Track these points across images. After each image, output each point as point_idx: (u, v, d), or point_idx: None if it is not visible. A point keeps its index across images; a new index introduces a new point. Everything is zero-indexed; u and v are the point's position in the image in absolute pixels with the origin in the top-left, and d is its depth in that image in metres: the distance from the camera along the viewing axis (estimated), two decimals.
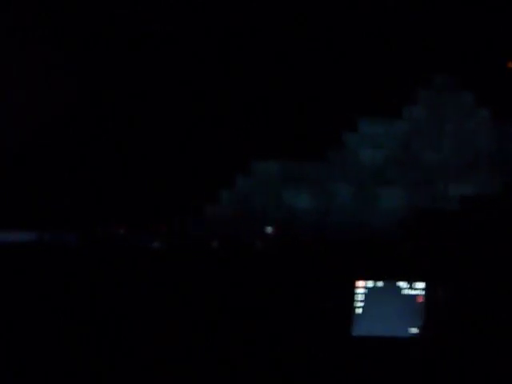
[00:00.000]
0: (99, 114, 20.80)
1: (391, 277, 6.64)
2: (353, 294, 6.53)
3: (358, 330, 6.90)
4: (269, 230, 18.83)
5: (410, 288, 7.23)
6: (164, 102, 22.84)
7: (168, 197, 22.17)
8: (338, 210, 25.13)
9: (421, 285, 7.09)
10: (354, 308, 6.63)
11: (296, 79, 24.28)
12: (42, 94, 20.85)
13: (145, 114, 21.93)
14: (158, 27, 21.96)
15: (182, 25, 21.26)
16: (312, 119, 24.32)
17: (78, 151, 19.85)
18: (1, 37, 19.64)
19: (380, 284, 6.98)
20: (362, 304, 6.91)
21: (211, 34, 21.35)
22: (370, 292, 6.93)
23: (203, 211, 23.04)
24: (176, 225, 18.11)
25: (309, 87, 24.04)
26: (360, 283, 6.86)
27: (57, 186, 19.02)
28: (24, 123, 20.05)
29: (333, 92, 24.59)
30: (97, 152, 19.92)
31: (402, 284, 7.16)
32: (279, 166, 24.71)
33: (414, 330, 6.78)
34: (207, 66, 21.32)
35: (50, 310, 5.82)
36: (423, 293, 6.93)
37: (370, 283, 6.95)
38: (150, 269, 6.93)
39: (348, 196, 25.42)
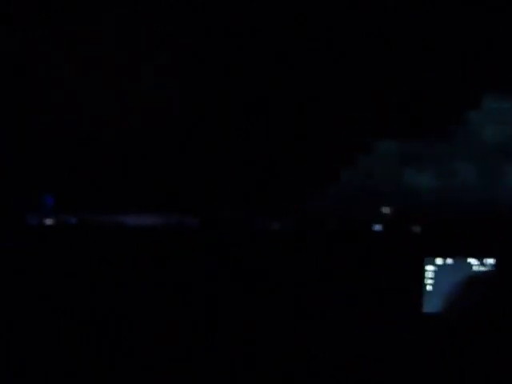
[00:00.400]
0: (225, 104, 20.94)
1: (461, 253, 6.72)
2: (422, 271, 6.64)
3: (429, 307, 7.02)
4: (386, 210, 18.55)
5: (481, 265, 7.27)
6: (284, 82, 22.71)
7: (286, 176, 22.01)
8: (460, 189, 24.38)
9: (491, 261, 7.11)
10: (424, 285, 6.75)
11: (416, 55, 23.62)
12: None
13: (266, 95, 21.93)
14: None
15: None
16: (433, 95, 23.62)
17: (200, 136, 20.10)
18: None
19: (450, 261, 7.05)
20: (431, 282, 7.02)
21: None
22: (439, 269, 7.03)
23: (322, 191, 22.81)
24: (296, 205, 18.07)
25: (429, 63, 23.34)
26: (429, 260, 6.96)
27: (179, 169, 19.29)
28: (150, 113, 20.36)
29: (456, 67, 23.75)
30: (218, 137, 20.11)
31: (473, 261, 7.21)
32: (399, 145, 24.09)
33: (484, 307, 6.84)
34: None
35: (172, 291, 5.98)
36: (494, 269, 6.98)
37: (440, 260, 7.02)
38: (272, 250, 7.02)
39: (471, 174, 24.64)
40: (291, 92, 22.45)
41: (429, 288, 7.21)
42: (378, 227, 11.65)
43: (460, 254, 6.87)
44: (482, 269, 7.13)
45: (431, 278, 7.37)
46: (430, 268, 7.35)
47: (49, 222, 12.54)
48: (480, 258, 7.03)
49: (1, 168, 19.33)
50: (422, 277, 6.76)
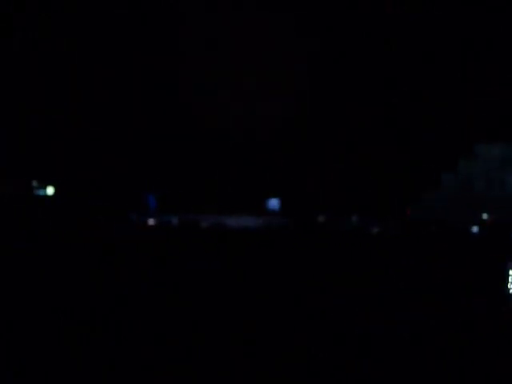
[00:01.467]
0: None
1: None
2: (506, 274, 6.29)
3: None
4: (485, 216, 18.38)
5: None
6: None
7: (389, 181, 22.07)
8: None
9: None
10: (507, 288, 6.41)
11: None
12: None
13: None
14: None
15: None
16: None
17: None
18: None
19: None
20: None
21: None
22: None
23: (422, 195, 22.77)
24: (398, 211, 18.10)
25: None
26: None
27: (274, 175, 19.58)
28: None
29: None
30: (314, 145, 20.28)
31: None
32: (502, 149, 23.83)
33: None
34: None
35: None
36: None
37: None
38: (369, 252, 7.01)
39: None
40: (394, 94, 21.81)
41: None
42: (475, 229, 11.51)
43: None
44: None
45: None
46: None
47: (152, 221, 12.78)
48: None
49: (108, 169, 19.54)
50: (506, 280, 6.51)
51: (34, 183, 19.14)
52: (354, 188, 19.79)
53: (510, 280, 6.58)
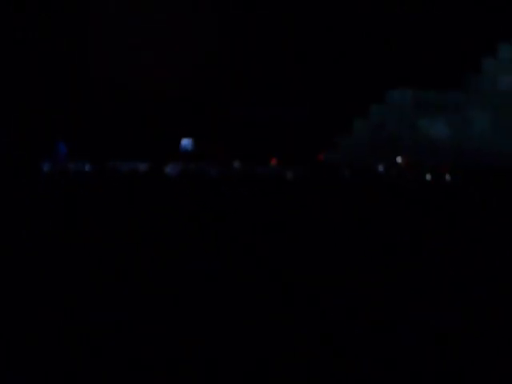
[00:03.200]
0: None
1: None
2: None
3: None
4: (399, 159, 18.70)
5: None
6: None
7: (304, 128, 22.07)
8: (475, 138, 24.35)
9: None
10: None
11: (434, 5, 23.50)
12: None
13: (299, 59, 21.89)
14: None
15: None
16: (447, 45, 23.55)
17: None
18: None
19: None
20: None
21: None
22: None
23: (336, 141, 22.89)
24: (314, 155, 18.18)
25: (446, 14, 23.23)
26: None
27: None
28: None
29: (470, 16, 23.63)
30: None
31: None
32: (414, 94, 24.06)
33: None
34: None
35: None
36: None
37: None
38: (282, 197, 6.95)
39: (485, 123, 24.59)
40: (302, 45, 21.59)
41: None
42: (393, 173, 11.62)
43: None
44: None
45: None
46: None
47: (63, 168, 12.42)
48: None
49: (14, 118, 18.93)
50: None
51: None
52: (268, 134, 19.79)
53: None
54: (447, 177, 7.31)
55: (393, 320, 4.50)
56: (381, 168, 14.16)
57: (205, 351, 3.69)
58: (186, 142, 20.44)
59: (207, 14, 19.41)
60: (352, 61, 20.07)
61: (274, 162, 15.70)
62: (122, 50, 19.56)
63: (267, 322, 4.32)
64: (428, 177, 8.90)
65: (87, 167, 12.48)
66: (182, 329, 4.11)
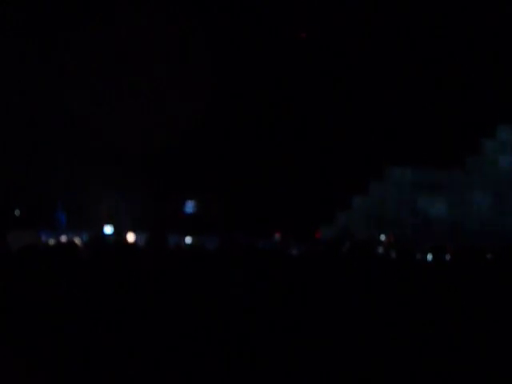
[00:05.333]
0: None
1: None
2: None
3: None
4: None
5: None
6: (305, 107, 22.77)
7: (302, 204, 22.03)
8: (474, 219, 24.13)
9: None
10: None
11: (434, 86, 23.64)
12: None
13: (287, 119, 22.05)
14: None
15: None
16: (449, 125, 23.60)
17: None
18: None
19: None
20: None
21: None
22: None
23: (335, 218, 22.72)
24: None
25: (447, 95, 23.38)
26: None
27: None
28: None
29: (471, 99, 23.74)
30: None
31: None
32: (414, 172, 23.93)
33: None
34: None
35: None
36: None
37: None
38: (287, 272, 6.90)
39: (485, 204, 24.39)
40: (305, 117, 21.79)
41: None
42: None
43: None
44: None
45: None
46: None
47: (64, 239, 12.35)
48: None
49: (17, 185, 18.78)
50: None
51: None
52: (267, 209, 19.81)
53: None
54: (447, 256, 7.28)
55: None
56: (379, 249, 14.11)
57: None
58: (189, 205, 20.43)
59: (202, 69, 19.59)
60: (351, 136, 20.22)
61: (278, 235, 15.73)
62: (120, 111, 19.64)
63: None
64: (429, 256, 8.82)
65: (84, 237, 12.43)
66: None
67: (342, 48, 21.64)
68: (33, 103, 20.97)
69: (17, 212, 19.69)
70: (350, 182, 20.63)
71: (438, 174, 21.87)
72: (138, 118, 20.54)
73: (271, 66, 21.77)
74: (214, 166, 20.76)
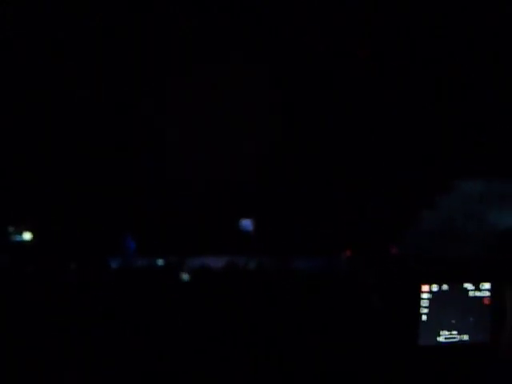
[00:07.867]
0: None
1: (457, 279, 6.32)
2: (418, 298, 6.21)
3: (425, 339, 6.53)
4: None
5: (477, 290, 6.80)
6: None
7: (369, 216, 22.01)
8: None
9: (487, 286, 6.63)
10: (419, 314, 6.31)
11: (505, 97, 23.45)
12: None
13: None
14: None
15: None
16: None
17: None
18: None
19: (445, 287, 6.60)
20: (426, 310, 6.56)
21: None
22: (435, 296, 6.57)
23: (405, 232, 22.63)
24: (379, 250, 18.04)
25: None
26: (425, 288, 6.52)
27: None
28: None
29: None
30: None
31: (468, 286, 6.74)
32: (481, 184, 23.72)
33: (483, 335, 6.36)
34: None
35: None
36: (490, 294, 6.53)
37: (435, 287, 6.58)
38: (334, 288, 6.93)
39: None
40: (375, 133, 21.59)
41: (424, 318, 6.71)
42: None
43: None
44: (478, 294, 6.67)
45: (426, 307, 6.86)
46: (425, 296, 6.83)
47: (134, 264, 12.35)
48: (476, 283, 6.62)
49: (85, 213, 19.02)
50: (418, 304, 6.35)
51: (10, 229, 18.78)
52: (336, 227, 19.73)
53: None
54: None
55: None
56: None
57: None
58: (246, 223, 20.57)
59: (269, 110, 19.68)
60: (419, 149, 20.10)
61: (348, 253, 15.59)
62: (187, 143, 19.85)
63: None
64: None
65: (160, 262, 12.41)
66: None
67: (407, 66, 21.57)
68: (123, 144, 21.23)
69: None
70: (418, 196, 20.50)
71: (504, 184, 21.62)
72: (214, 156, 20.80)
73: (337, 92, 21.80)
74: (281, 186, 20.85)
